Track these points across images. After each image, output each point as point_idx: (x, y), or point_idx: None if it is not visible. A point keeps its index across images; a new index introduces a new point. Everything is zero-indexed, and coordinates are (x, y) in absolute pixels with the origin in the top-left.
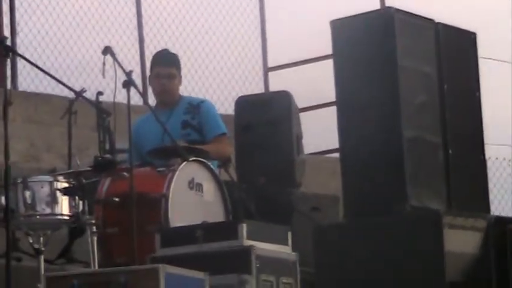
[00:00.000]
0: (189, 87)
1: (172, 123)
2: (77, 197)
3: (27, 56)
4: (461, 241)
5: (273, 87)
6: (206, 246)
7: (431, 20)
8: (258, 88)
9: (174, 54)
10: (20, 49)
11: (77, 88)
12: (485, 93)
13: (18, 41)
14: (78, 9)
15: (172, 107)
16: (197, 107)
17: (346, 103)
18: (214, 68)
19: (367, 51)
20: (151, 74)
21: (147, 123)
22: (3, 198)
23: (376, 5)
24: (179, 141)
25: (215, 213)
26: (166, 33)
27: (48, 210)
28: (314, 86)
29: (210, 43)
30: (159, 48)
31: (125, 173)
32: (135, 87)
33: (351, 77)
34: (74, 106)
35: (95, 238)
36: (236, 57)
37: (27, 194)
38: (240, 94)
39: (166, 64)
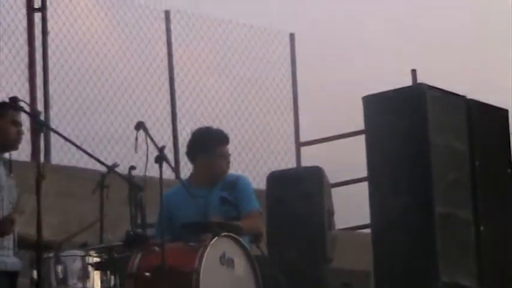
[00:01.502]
0: None
1: (211, 200)
2: (108, 272)
3: (60, 130)
4: None
5: (305, 162)
6: None
7: (463, 97)
8: (290, 163)
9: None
10: (53, 123)
11: (110, 162)
12: None
13: (51, 114)
14: (111, 83)
15: (213, 183)
16: (234, 183)
17: (378, 179)
18: (246, 143)
19: (399, 127)
20: (210, 152)
21: (179, 197)
22: (35, 272)
23: (407, 81)
24: (213, 216)
25: None
26: (198, 109)
27: (79, 285)
28: (346, 161)
29: (242, 118)
30: (191, 124)
31: (156, 248)
32: (168, 162)
33: (382, 152)
34: (106, 180)
35: None
36: (268, 132)
37: (59, 268)
38: (272, 169)
39: (226, 143)
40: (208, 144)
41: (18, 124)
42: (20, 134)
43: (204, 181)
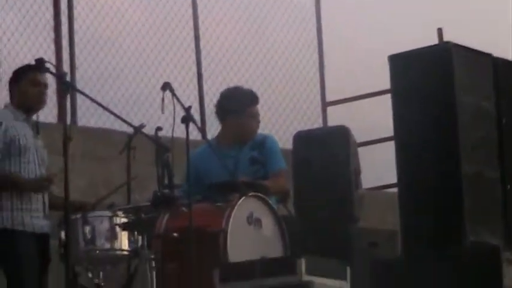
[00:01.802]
0: None
1: (241, 160)
2: (136, 232)
3: (86, 92)
4: None
5: (331, 121)
6: (265, 281)
7: (489, 55)
8: (316, 123)
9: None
10: (79, 84)
11: (136, 123)
12: None
13: (77, 76)
14: (137, 44)
15: (242, 143)
16: (262, 143)
17: (404, 138)
18: (272, 102)
19: (425, 86)
20: (241, 112)
21: (207, 157)
22: (63, 233)
23: (434, 40)
24: (242, 176)
25: (274, 249)
26: (224, 69)
27: (107, 245)
28: (372, 121)
29: (268, 78)
30: (217, 84)
31: (184, 208)
32: (194, 122)
33: (409, 111)
34: (133, 141)
35: (154, 273)
36: (295, 92)
37: (87, 229)
38: (298, 129)
39: (256, 103)
40: (239, 104)
41: (38, 84)
42: (41, 94)
43: (234, 141)
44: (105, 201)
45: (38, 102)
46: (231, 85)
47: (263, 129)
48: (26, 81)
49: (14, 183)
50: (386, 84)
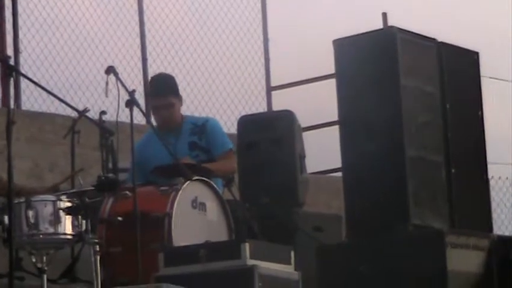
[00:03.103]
0: (192, 106)
1: (179, 146)
2: (80, 216)
3: (30, 76)
4: (464, 260)
5: (276, 106)
6: (209, 265)
7: (433, 40)
8: (260, 107)
9: (168, 79)
10: (23, 68)
11: (80, 107)
12: (487, 112)
13: (21, 60)
14: (81, 28)
15: (178, 128)
16: (203, 127)
17: (349, 122)
18: (217, 87)
19: (370, 71)
20: (150, 104)
21: (151, 142)
22: (6, 217)
23: (378, 25)
24: (184, 158)
25: (218, 233)
26: (169, 53)
27: (51, 230)
28: (317, 105)
29: (212, 62)
30: (162, 68)
31: (128, 192)
32: (138, 106)
33: (353, 96)
34: (77, 125)
35: (98, 257)
36: (239, 76)
37: (30, 213)
38: (243, 113)
39: (162, 94)
40: (150, 94)
41: None
42: None
43: (165, 127)
44: (46, 185)
45: None
46: (176, 69)
47: (207, 113)
48: None
49: None
50: (330, 68)
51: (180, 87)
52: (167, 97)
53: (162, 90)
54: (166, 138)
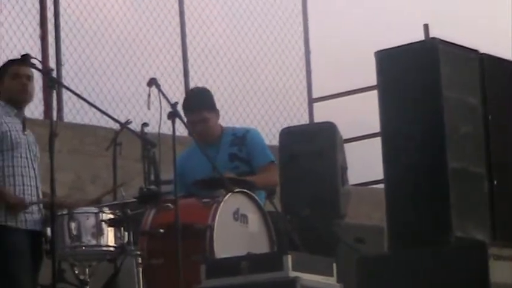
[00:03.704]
0: (234, 118)
1: (220, 157)
2: (122, 228)
3: (72, 88)
4: (507, 272)
5: (318, 118)
6: (251, 277)
7: (475, 51)
8: (302, 119)
9: (201, 94)
10: (66, 80)
11: (122, 119)
12: None
13: (63, 72)
14: (123, 40)
15: (217, 141)
16: (243, 138)
17: (391, 134)
18: (258, 99)
19: (412, 82)
20: (187, 118)
21: (194, 155)
22: (49, 229)
23: (420, 36)
24: (226, 172)
25: (260, 245)
26: (211, 65)
27: (93, 242)
28: (358, 117)
29: (254, 74)
30: (203, 80)
31: (170, 204)
32: (180, 118)
33: (395, 107)
34: (119, 137)
35: (140, 269)
36: (281, 88)
37: (73, 225)
38: (285, 125)
39: (195, 110)
40: (183, 109)
41: (19, 76)
42: (23, 85)
43: (204, 140)
44: (89, 197)
45: (21, 94)
46: (217, 81)
47: (249, 125)
48: (7, 75)
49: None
50: (373, 80)
51: (221, 100)
52: (201, 112)
53: (195, 105)
54: (206, 150)
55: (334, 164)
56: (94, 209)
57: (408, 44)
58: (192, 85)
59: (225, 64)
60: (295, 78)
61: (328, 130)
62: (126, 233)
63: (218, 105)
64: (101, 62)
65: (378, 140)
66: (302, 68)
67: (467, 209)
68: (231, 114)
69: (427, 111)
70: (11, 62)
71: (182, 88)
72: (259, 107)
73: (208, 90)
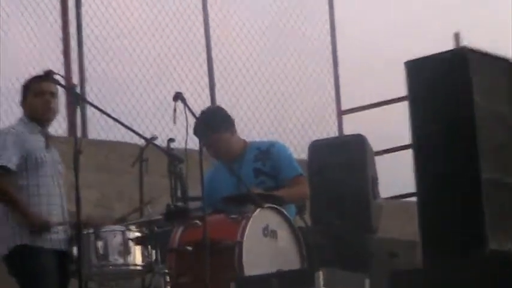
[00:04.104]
0: (262, 132)
1: (244, 173)
2: (149, 246)
3: (96, 103)
4: None
5: (347, 130)
6: None
7: (506, 60)
8: (331, 132)
9: (208, 116)
10: (89, 96)
11: (148, 135)
12: None
13: (87, 88)
14: (147, 54)
15: (240, 157)
16: (267, 152)
17: (422, 145)
18: (286, 111)
19: (442, 92)
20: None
21: (220, 172)
22: (75, 249)
23: (450, 45)
24: (254, 188)
25: (290, 261)
26: (237, 78)
27: (120, 260)
28: (389, 129)
29: (281, 87)
30: (229, 94)
31: (198, 221)
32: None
33: (426, 118)
34: (145, 153)
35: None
36: (309, 101)
37: (99, 244)
38: (314, 138)
39: (204, 135)
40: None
41: (43, 93)
42: (46, 102)
43: (225, 157)
44: (115, 215)
45: (44, 111)
46: (244, 94)
47: (277, 139)
48: (31, 92)
49: (21, 211)
50: (402, 91)
51: (248, 113)
52: (211, 135)
53: (201, 131)
54: (231, 167)
55: (365, 177)
56: (121, 227)
57: (438, 54)
58: (218, 98)
59: (252, 77)
60: (324, 90)
61: (358, 142)
62: (154, 251)
63: (244, 120)
64: (124, 76)
65: (409, 152)
66: (330, 79)
67: (501, 220)
68: (258, 128)
69: (458, 121)
70: (34, 79)
71: (208, 102)
72: (287, 121)
73: (216, 110)
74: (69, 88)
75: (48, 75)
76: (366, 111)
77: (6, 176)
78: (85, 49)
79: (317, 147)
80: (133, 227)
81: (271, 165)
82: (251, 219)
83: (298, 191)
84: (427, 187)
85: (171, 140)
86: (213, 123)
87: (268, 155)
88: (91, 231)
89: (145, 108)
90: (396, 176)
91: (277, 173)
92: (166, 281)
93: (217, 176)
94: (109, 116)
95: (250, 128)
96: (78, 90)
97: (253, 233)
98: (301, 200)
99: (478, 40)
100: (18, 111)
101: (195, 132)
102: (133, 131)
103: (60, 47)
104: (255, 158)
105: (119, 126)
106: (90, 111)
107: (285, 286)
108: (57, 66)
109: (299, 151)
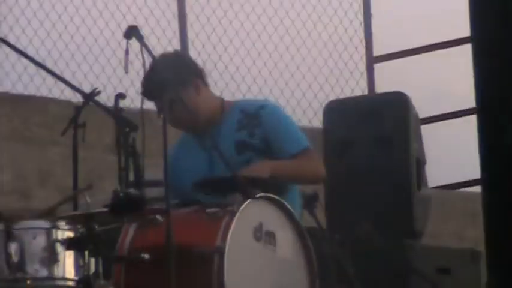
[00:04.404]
0: (266, 88)
1: (222, 147)
2: (86, 252)
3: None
4: None
5: (380, 87)
6: None
7: None
8: (358, 88)
9: (164, 64)
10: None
11: (86, 89)
12: None
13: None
14: None
15: (217, 124)
16: (255, 117)
17: (492, 109)
18: (292, 57)
19: None
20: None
21: (188, 146)
22: None
23: None
24: (239, 167)
25: (294, 276)
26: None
27: (44, 273)
28: (441, 87)
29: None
30: (204, 36)
31: (159, 217)
32: None
33: (495, 70)
34: (82, 116)
35: None
36: (326, 42)
37: (13, 248)
38: (331, 97)
39: (155, 97)
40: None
41: None
42: None
43: (192, 130)
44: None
45: None
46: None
47: (278, 99)
48: None
49: None
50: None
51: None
52: (162, 96)
53: (154, 92)
54: (203, 137)
55: (407, 157)
56: (45, 224)
57: None
58: (191, 38)
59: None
60: (348, 26)
61: (398, 105)
62: (93, 260)
63: (236, 76)
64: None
65: (472, 120)
66: (358, 11)
67: None
68: (262, 82)
69: None
70: None
71: (177, 42)
72: (301, 77)
73: (173, 55)
74: None
75: None
76: (408, 60)
77: None
78: None
79: (336, 111)
80: (62, 224)
81: (262, 136)
82: (237, 214)
83: (311, 168)
84: (497, 171)
85: (120, 96)
86: (166, 74)
87: (257, 120)
88: (1, 228)
89: (82, 51)
90: (452, 156)
91: (271, 147)
92: None
93: (185, 152)
94: (31, 59)
95: (252, 85)
96: None
97: (240, 236)
98: (313, 183)
99: None
100: None
101: (144, 92)
102: (66, 82)
103: None
104: (238, 125)
105: (45, 74)
106: (2, 53)
107: None
108: None
109: (310, 116)
